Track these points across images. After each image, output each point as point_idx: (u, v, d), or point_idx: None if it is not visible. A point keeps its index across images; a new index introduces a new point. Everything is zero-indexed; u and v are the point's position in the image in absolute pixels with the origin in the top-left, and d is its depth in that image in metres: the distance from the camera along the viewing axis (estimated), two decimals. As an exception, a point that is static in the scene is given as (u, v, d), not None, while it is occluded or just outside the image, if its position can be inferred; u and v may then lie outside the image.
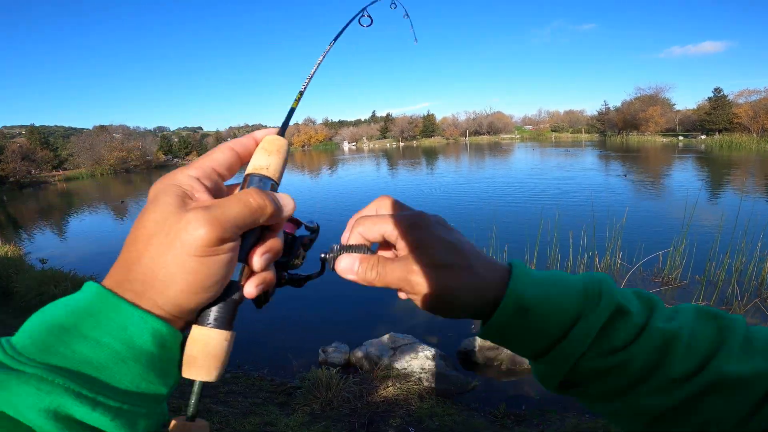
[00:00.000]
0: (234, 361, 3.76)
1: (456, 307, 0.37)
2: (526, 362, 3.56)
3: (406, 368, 3.28)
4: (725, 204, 9.57)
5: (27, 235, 12.52)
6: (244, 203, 0.30)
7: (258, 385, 3.20)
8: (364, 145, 77.48)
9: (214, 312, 0.31)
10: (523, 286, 0.36)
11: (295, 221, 0.40)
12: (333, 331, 4.25)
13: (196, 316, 0.31)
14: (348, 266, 0.38)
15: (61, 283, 5.35)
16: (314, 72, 0.41)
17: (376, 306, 4.90)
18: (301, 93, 0.40)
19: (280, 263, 0.38)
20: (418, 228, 0.37)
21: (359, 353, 3.56)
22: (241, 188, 0.34)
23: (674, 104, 55.78)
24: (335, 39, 0.43)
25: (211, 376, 0.31)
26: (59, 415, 0.24)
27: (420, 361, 3.31)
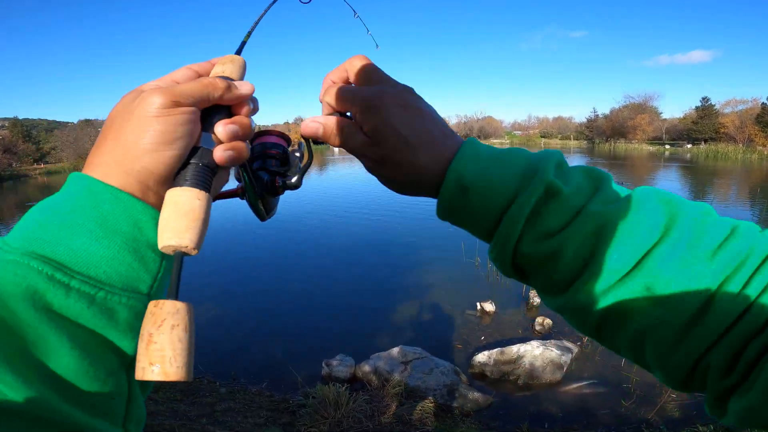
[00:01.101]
0: (228, 373, 3.47)
1: (404, 190, 0.39)
2: (544, 377, 3.36)
3: (420, 385, 3.03)
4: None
5: (6, 230, 11.96)
6: (195, 81, 0.32)
7: (257, 402, 2.92)
8: (355, 145, 76.83)
9: (183, 174, 0.31)
10: (464, 164, 0.36)
11: (285, 137, 0.45)
12: (335, 342, 3.96)
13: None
14: (311, 128, 0.40)
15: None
16: (259, 20, 0.44)
17: (380, 316, 4.63)
18: (250, 32, 0.43)
19: (276, 172, 0.43)
20: (373, 113, 0.37)
21: (366, 367, 3.30)
22: None
23: (661, 113, 56.74)
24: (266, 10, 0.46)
25: (183, 239, 0.28)
26: (37, 304, 0.24)
27: (435, 377, 3.07)
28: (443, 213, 0.38)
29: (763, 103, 40.16)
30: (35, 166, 44.75)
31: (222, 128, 0.33)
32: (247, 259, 6.53)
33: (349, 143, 0.39)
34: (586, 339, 3.79)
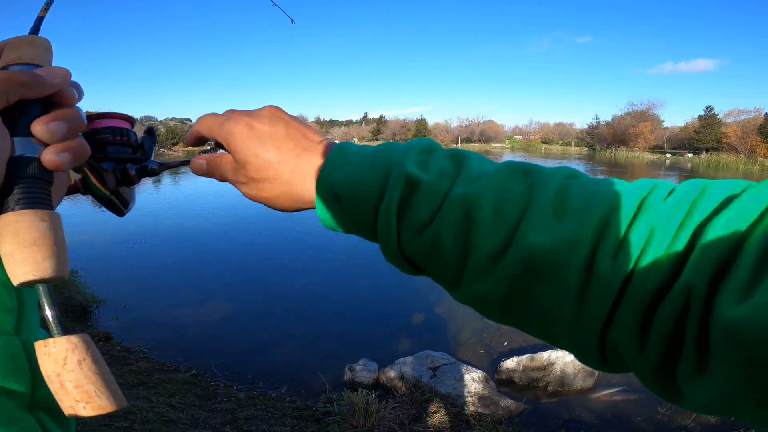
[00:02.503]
0: (245, 377, 3.32)
1: (286, 207, 0.38)
2: (576, 384, 3.24)
3: (450, 392, 2.89)
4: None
5: None
6: None
7: (279, 409, 2.77)
8: (355, 146, 77.06)
9: (12, 195, 0.25)
10: (331, 170, 0.34)
11: (128, 118, 0.40)
12: (354, 346, 3.82)
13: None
14: (197, 165, 0.40)
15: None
16: None
17: (399, 320, 4.49)
18: (49, 3, 0.36)
19: (126, 159, 0.39)
20: (228, 140, 0.37)
21: (391, 373, 3.15)
22: None
23: (663, 121, 56.89)
24: None
25: (46, 270, 0.24)
26: None
27: (466, 384, 2.93)
28: (324, 223, 0.37)
29: (766, 113, 40.26)
30: None
31: (41, 128, 0.27)
32: (265, 260, 6.39)
33: (225, 173, 0.39)
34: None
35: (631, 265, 0.27)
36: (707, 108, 46.33)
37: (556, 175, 0.32)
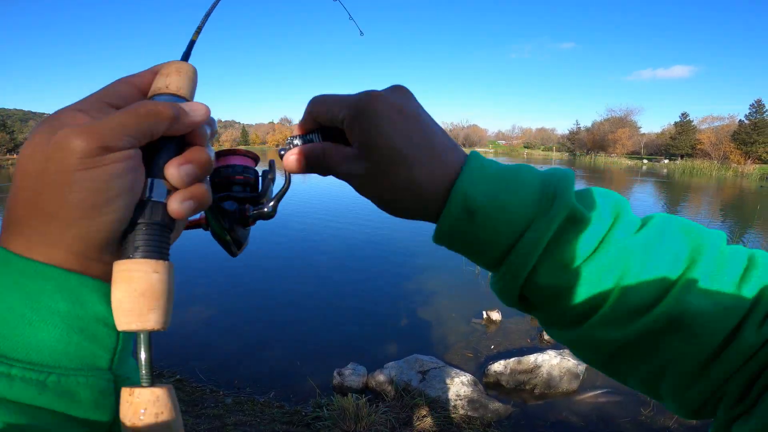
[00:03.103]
0: (232, 382, 3.26)
1: (398, 212, 0.35)
2: (562, 386, 3.28)
3: (440, 395, 2.89)
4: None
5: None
6: (128, 111, 0.25)
7: (268, 414, 2.73)
8: (340, 149, 76.89)
9: (132, 240, 0.26)
10: (471, 184, 0.32)
11: (252, 155, 0.39)
12: (343, 350, 3.79)
13: (117, 253, 0.26)
14: (291, 161, 0.35)
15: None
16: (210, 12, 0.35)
17: (387, 325, 4.47)
18: (200, 27, 0.34)
19: (245, 199, 0.37)
20: (365, 118, 0.32)
21: (381, 377, 3.14)
22: None
23: (640, 127, 58.38)
24: None
25: (147, 322, 0.25)
26: None
27: (456, 388, 2.94)
28: (442, 238, 0.34)
29: (740, 120, 41.69)
30: (8, 156, 43.11)
31: (175, 171, 0.27)
32: (250, 263, 6.29)
33: (333, 164, 0.34)
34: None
35: None
36: (683, 114, 47.83)
37: (714, 239, 0.32)
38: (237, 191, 0.37)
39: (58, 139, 0.24)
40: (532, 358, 3.38)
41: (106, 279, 0.26)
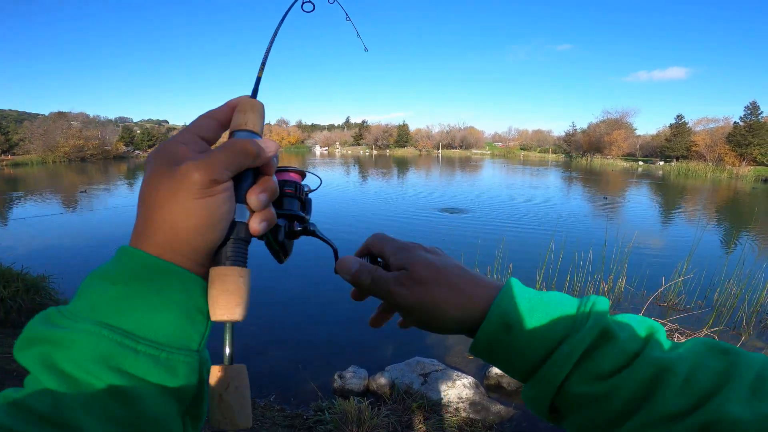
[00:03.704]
0: (232, 383, 3.23)
1: (439, 321, 0.38)
2: (563, 392, 3.27)
3: (442, 398, 2.88)
4: (671, 231, 9.78)
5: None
6: (227, 148, 0.33)
7: (269, 417, 2.71)
8: (337, 150, 77.13)
9: (225, 251, 0.33)
10: (509, 301, 0.36)
11: (300, 172, 0.45)
12: (344, 353, 3.77)
13: (213, 260, 0.33)
14: (347, 265, 0.43)
15: (11, 283, 4.50)
16: (269, 49, 0.40)
17: (388, 327, 4.43)
18: (263, 64, 0.40)
19: (294, 216, 0.42)
20: (407, 251, 0.41)
21: (382, 380, 3.13)
22: None
23: (636, 129, 58.63)
24: (279, 24, 0.42)
25: (234, 314, 0.32)
26: (110, 365, 0.28)
27: (457, 390, 2.93)
28: (480, 348, 0.38)
29: (735, 122, 41.90)
30: (2, 157, 42.76)
31: (255, 198, 0.34)
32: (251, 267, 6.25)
33: (380, 278, 0.41)
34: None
35: None
36: (678, 116, 47.99)
37: (756, 359, 0.34)
38: (287, 206, 0.42)
39: (184, 173, 0.30)
40: (533, 361, 3.38)
41: (205, 278, 0.33)
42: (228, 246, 0.33)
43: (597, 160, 50.86)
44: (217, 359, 0.34)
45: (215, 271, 0.32)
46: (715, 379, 0.32)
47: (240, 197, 0.33)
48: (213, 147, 0.36)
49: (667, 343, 0.36)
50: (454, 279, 0.39)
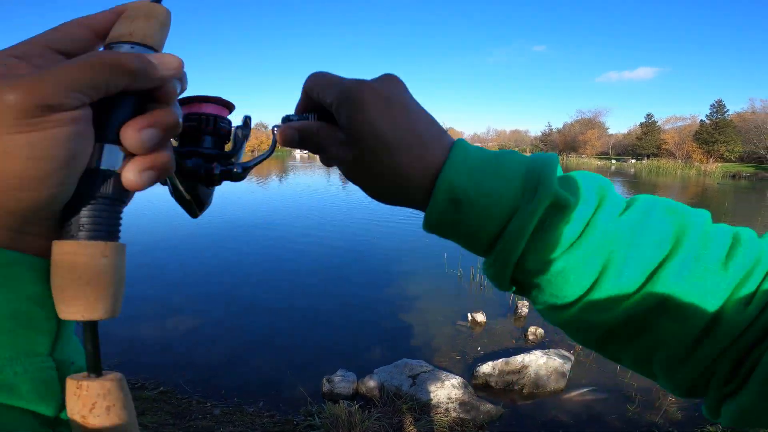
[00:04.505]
0: (218, 392, 3.18)
1: (387, 199, 0.35)
2: (550, 385, 3.34)
3: (431, 399, 2.89)
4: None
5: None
6: (80, 61, 0.21)
7: (259, 424, 2.67)
8: (316, 152, 76.42)
9: (78, 218, 0.22)
10: (455, 173, 0.32)
11: (225, 103, 0.34)
12: (331, 357, 3.74)
13: (58, 230, 0.22)
14: (287, 134, 0.36)
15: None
16: None
17: (373, 330, 4.45)
18: None
19: (208, 155, 0.33)
20: (351, 105, 0.32)
21: (371, 382, 3.12)
22: None
23: (608, 128, 60.30)
24: None
25: (97, 312, 0.22)
26: None
27: (447, 391, 2.95)
28: (431, 227, 0.35)
29: (701, 120, 43.53)
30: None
31: (135, 135, 0.23)
32: (232, 270, 6.16)
33: (324, 144, 0.35)
34: (579, 347, 3.83)
35: (756, 313, 0.30)
36: (648, 115, 49.56)
37: (698, 218, 0.33)
38: (206, 146, 0.33)
39: None
40: (519, 359, 3.43)
41: (45, 255, 0.22)
42: (83, 209, 0.22)
43: (573, 159, 52.05)
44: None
45: (59, 248, 0.22)
46: (664, 246, 0.32)
47: (108, 134, 0.23)
48: None
49: (619, 203, 0.34)
50: (404, 161, 0.33)
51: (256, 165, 0.35)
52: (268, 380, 3.41)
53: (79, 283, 0.21)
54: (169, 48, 0.25)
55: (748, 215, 12.30)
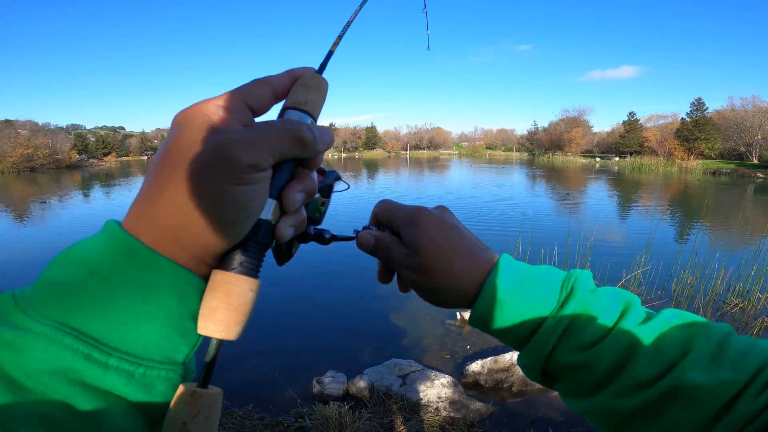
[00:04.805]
0: (208, 397, 3.15)
1: (441, 302, 0.41)
2: (536, 383, 3.36)
3: (422, 398, 2.91)
4: (631, 224, 10.31)
5: None
6: (280, 129, 0.26)
7: (249, 426, 2.66)
8: (303, 153, 75.78)
9: (239, 255, 0.27)
10: (502, 278, 0.39)
11: (321, 170, 0.39)
12: (321, 358, 3.74)
13: (220, 260, 0.27)
14: (366, 239, 0.42)
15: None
16: (352, 20, 0.36)
17: (362, 331, 4.46)
18: (340, 37, 0.34)
19: (310, 218, 0.38)
20: (413, 226, 0.40)
21: (361, 383, 3.13)
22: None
23: (592, 126, 61.05)
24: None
25: (232, 334, 0.26)
26: (71, 378, 0.23)
27: (437, 390, 2.96)
28: (476, 322, 0.41)
29: (682, 118, 44.30)
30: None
31: (293, 197, 0.28)
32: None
33: (393, 254, 0.42)
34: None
35: (762, 405, 0.33)
36: (630, 113, 50.33)
37: (718, 329, 0.37)
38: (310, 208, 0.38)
39: (217, 145, 0.24)
40: (507, 357, 3.46)
41: (205, 279, 0.27)
42: (246, 249, 0.27)
43: (558, 158, 52.57)
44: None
45: (221, 278, 0.26)
46: (680, 348, 0.36)
47: (273, 192, 0.27)
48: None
49: (641, 314, 0.40)
50: (457, 266, 0.40)
51: (342, 240, 0.42)
52: (258, 382, 3.40)
53: (230, 308, 0.26)
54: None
55: (729, 211, 12.58)
